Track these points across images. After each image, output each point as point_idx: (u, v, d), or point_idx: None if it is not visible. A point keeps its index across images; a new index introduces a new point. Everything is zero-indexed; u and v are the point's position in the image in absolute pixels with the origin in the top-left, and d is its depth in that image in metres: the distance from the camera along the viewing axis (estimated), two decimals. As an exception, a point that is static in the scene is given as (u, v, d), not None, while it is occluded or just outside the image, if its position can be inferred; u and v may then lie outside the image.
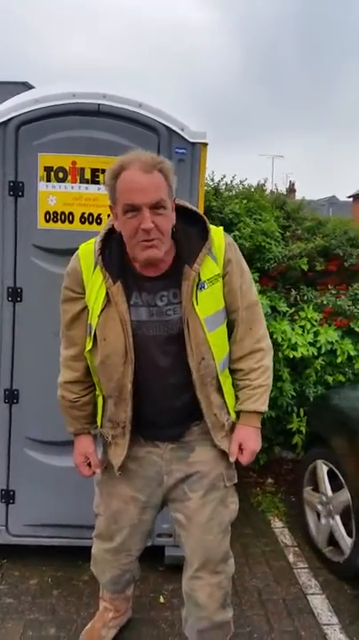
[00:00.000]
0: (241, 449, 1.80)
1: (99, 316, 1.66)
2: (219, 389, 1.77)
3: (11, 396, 2.54)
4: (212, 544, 1.79)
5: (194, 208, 1.75)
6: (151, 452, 1.82)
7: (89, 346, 1.73)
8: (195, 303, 1.64)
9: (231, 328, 1.80)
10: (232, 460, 1.80)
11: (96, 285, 1.67)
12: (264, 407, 1.79)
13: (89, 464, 1.92)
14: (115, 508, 1.90)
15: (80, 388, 1.85)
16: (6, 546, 2.62)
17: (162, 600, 2.41)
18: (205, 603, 1.80)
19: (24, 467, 2.57)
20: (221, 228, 1.76)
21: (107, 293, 1.65)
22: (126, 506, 1.87)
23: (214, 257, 1.68)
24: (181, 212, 1.70)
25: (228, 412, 1.81)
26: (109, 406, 1.77)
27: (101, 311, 1.66)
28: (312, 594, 2.57)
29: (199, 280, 1.64)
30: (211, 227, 1.71)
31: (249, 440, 1.80)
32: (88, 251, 1.72)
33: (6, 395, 2.54)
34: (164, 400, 1.74)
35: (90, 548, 2.59)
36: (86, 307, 1.73)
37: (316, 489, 2.92)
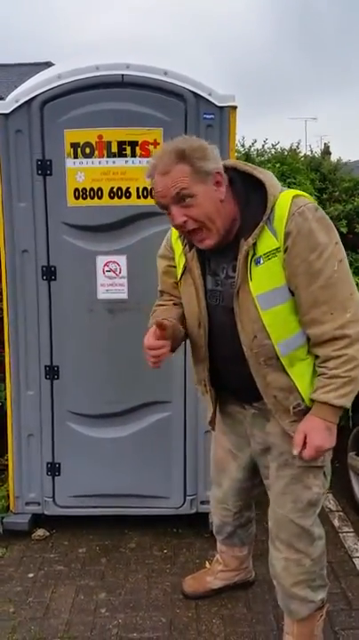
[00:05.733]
0: (305, 441, 1.62)
1: (180, 280, 1.80)
2: (284, 371, 1.64)
3: (52, 372, 2.60)
4: (285, 519, 1.79)
5: (255, 173, 1.60)
6: (239, 411, 1.89)
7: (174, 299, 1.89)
8: (248, 279, 1.58)
9: (299, 308, 1.60)
10: (295, 452, 1.63)
11: (179, 251, 1.79)
12: (339, 401, 1.55)
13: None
14: (218, 457, 2.07)
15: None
16: (54, 517, 2.72)
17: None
18: (280, 575, 1.84)
19: (68, 440, 2.64)
20: (292, 193, 1.57)
21: (186, 260, 1.76)
22: (226, 456, 2.02)
23: (274, 230, 1.54)
24: (246, 176, 1.62)
25: (301, 397, 1.65)
26: (193, 363, 1.90)
27: (181, 276, 1.79)
28: (358, 557, 2.57)
29: (254, 254, 1.57)
30: (281, 194, 1.56)
31: (313, 432, 1.59)
32: None
33: (47, 371, 2.61)
34: (234, 366, 1.73)
35: (134, 517, 2.70)
36: (175, 266, 1.84)
37: (360, 454, 2.90)
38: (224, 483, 2.07)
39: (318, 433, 1.59)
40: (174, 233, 1.81)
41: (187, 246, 1.74)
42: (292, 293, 1.58)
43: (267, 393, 1.68)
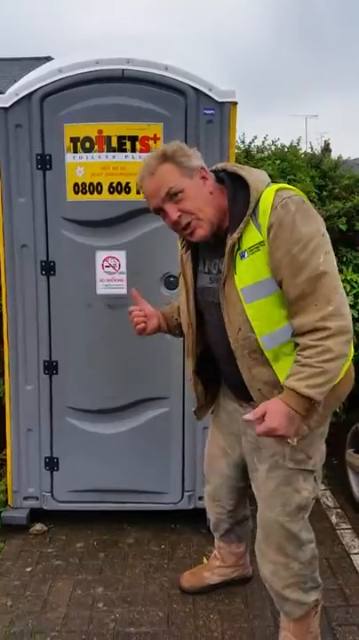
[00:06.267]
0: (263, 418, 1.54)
1: (178, 279, 1.89)
2: (268, 364, 1.64)
3: (51, 367, 2.60)
4: (273, 522, 1.78)
5: (239, 172, 1.65)
6: (237, 409, 1.90)
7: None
8: (233, 272, 1.61)
9: (285, 299, 1.59)
10: (246, 417, 1.57)
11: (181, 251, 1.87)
12: (307, 391, 1.49)
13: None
14: (211, 453, 2.10)
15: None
16: (53, 511, 2.73)
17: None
18: (270, 579, 1.84)
19: (66, 435, 2.65)
20: (276, 186, 1.60)
21: (181, 261, 1.84)
22: (218, 453, 2.05)
23: (258, 224, 1.57)
24: (234, 176, 1.67)
25: None
26: (187, 359, 1.95)
27: (180, 274, 1.88)
28: (356, 553, 2.58)
29: (239, 248, 1.60)
30: (267, 189, 1.59)
31: (273, 414, 1.52)
32: None
33: (46, 366, 2.61)
34: (229, 362, 1.75)
35: (132, 512, 2.71)
36: None
37: (358, 451, 2.90)
38: (212, 479, 2.10)
39: (277, 416, 1.52)
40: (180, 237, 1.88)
41: (184, 248, 1.80)
42: (280, 286, 1.58)
43: (252, 386, 1.69)
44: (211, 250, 1.72)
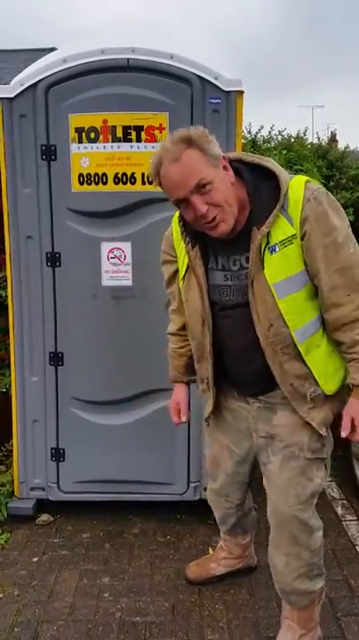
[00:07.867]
0: (354, 424, 1.64)
1: (182, 279, 1.76)
2: (300, 358, 1.64)
3: (57, 359, 2.61)
4: (288, 512, 1.78)
5: (263, 163, 1.60)
6: (242, 406, 1.87)
7: (181, 305, 1.86)
8: (262, 268, 1.56)
9: (320, 293, 1.62)
10: (344, 434, 1.64)
11: (183, 250, 1.72)
12: None
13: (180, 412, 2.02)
14: (215, 453, 2.04)
15: (178, 339, 1.98)
16: (59, 502, 2.74)
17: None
18: (282, 570, 1.84)
19: (72, 426, 2.65)
20: (304, 179, 1.58)
21: (189, 258, 1.70)
22: (223, 453, 2.00)
23: (289, 217, 1.53)
24: (252, 167, 1.61)
25: (316, 383, 1.67)
26: (195, 362, 1.87)
27: (184, 274, 1.74)
28: (361, 545, 2.59)
29: (268, 243, 1.54)
30: (293, 179, 1.56)
31: None
32: (179, 216, 1.73)
33: (51, 357, 2.61)
34: (243, 361, 1.74)
35: (138, 503, 2.72)
36: (178, 269, 1.80)
37: (364, 443, 2.89)
38: (221, 476, 2.06)
39: None
40: (176, 233, 1.77)
41: (189, 244, 1.68)
42: (310, 279, 1.59)
43: (284, 381, 1.67)
44: (227, 244, 1.63)
